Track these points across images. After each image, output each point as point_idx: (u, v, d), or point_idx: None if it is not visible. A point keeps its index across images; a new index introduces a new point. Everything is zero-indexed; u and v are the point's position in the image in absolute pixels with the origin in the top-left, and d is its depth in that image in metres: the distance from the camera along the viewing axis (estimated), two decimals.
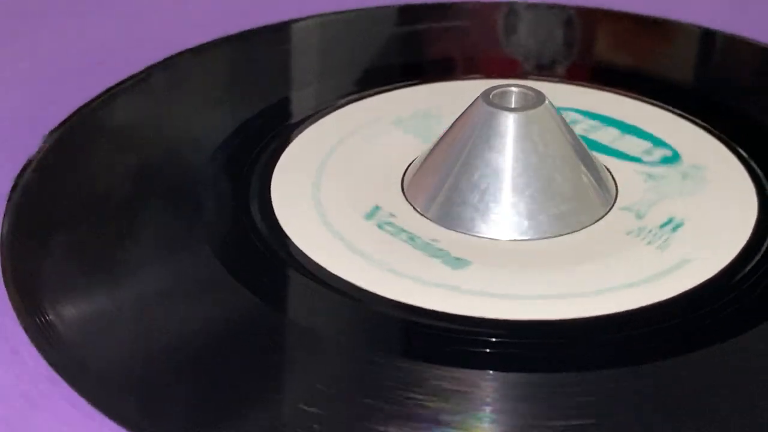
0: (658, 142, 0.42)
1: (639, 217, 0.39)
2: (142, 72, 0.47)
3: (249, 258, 0.37)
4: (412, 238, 0.38)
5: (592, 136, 0.43)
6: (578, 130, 0.43)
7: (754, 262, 0.37)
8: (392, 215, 0.39)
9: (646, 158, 0.41)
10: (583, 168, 0.40)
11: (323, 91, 0.47)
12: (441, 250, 0.38)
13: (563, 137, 0.40)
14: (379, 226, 0.39)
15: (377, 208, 0.40)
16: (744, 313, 0.35)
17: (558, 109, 0.40)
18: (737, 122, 0.45)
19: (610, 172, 0.41)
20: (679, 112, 0.45)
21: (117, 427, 0.32)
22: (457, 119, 0.41)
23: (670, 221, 0.39)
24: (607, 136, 0.43)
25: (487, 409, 0.32)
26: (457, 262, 0.37)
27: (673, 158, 0.41)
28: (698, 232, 0.38)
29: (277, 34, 0.51)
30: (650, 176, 0.41)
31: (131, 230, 0.39)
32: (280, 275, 0.37)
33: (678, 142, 0.43)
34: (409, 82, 0.47)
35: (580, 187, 0.39)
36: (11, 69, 0.49)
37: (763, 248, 0.38)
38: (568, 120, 0.41)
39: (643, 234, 0.38)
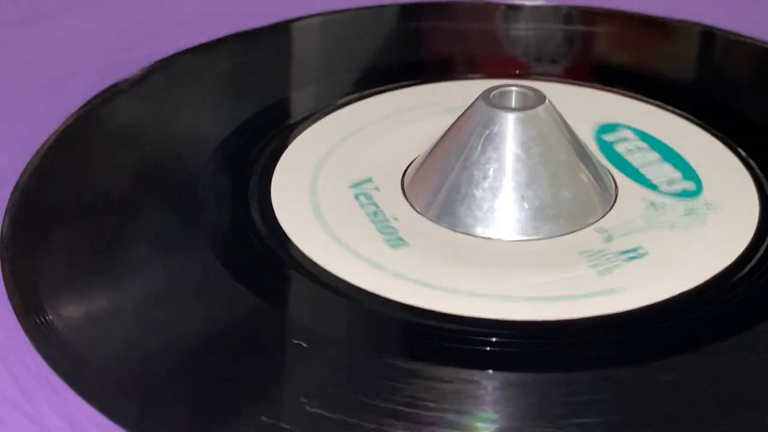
0: (689, 175, 0.41)
1: (606, 240, 0.39)
2: (142, 71, 0.48)
3: (248, 258, 0.37)
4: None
5: (629, 158, 0.42)
6: (622, 149, 0.42)
7: (754, 262, 0.37)
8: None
9: (664, 188, 0.41)
10: (583, 168, 0.40)
11: (323, 91, 0.47)
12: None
13: (563, 137, 0.40)
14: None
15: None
16: (745, 312, 0.35)
17: (613, 125, 0.40)
18: (737, 122, 0.45)
19: (610, 173, 0.41)
20: (679, 111, 0.45)
21: (117, 428, 0.32)
22: (457, 119, 0.41)
23: (633, 250, 0.38)
24: (644, 159, 0.42)
25: (487, 409, 0.32)
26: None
27: (692, 193, 0.41)
28: (653, 267, 0.37)
29: (277, 33, 0.51)
30: (652, 204, 0.40)
31: (131, 230, 0.39)
32: (280, 275, 0.37)
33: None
34: (410, 82, 0.47)
35: (580, 187, 0.39)
36: (11, 68, 0.49)
37: (765, 248, 0.38)
38: (619, 137, 0.41)
39: (595, 258, 0.38)
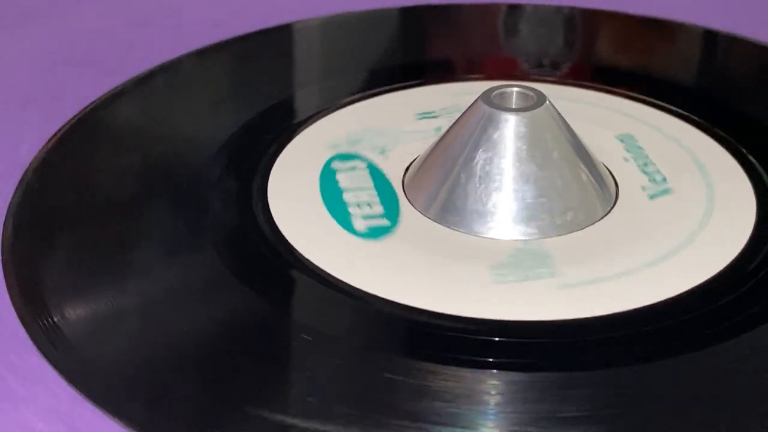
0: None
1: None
2: (145, 73, 0.48)
3: (251, 259, 0.37)
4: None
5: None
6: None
7: (755, 263, 0.37)
8: (393, 216, 0.40)
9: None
10: (583, 168, 0.40)
11: (325, 92, 0.47)
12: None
13: (563, 137, 0.40)
14: (380, 227, 0.39)
15: (378, 208, 0.40)
16: (745, 312, 0.35)
17: None
18: (737, 122, 0.45)
19: (611, 172, 0.41)
20: (679, 111, 0.45)
21: (122, 429, 0.32)
22: (457, 119, 0.41)
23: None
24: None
25: (488, 409, 0.32)
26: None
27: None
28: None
29: (279, 36, 0.51)
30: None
31: (134, 231, 0.39)
32: (282, 275, 0.37)
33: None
34: (411, 83, 0.47)
35: (580, 187, 0.40)
36: (13, 69, 0.49)
37: (764, 249, 0.38)
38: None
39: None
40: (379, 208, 0.40)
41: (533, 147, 0.39)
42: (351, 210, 0.40)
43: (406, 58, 0.51)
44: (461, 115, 0.41)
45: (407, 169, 0.42)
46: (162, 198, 0.40)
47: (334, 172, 0.42)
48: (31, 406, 0.33)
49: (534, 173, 0.39)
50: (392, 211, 0.40)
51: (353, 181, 0.41)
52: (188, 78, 0.48)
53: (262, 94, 0.46)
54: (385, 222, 0.39)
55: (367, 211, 0.40)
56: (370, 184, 0.41)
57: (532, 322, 0.35)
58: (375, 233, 0.39)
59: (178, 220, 0.39)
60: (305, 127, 0.44)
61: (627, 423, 0.32)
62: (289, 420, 0.32)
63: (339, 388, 0.33)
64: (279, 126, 0.44)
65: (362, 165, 0.42)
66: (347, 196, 0.40)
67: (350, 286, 0.36)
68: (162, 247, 0.38)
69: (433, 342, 0.34)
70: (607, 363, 0.34)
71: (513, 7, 0.54)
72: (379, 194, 0.41)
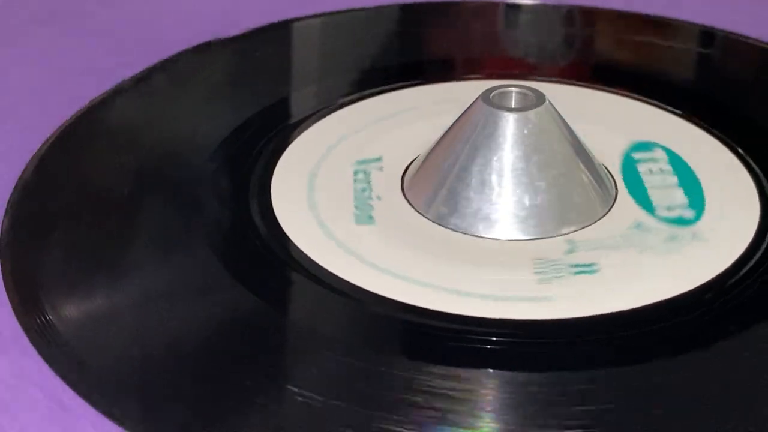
0: (695, 204, 0.40)
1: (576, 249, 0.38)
2: (142, 72, 0.48)
3: (248, 258, 0.37)
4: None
5: (646, 177, 0.41)
6: (644, 168, 0.42)
7: (754, 263, 0.37)
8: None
9: (659, 212, 0.40)
10: (583, 168, 0.40)
11: (323, 91, 0.47)
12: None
13: (563, 137, 0.40)
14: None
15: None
16: (745, 313, 0.35)
17: (648, 144, 0.40)
18: (737, 122, 0.45)
19: (610, 172, 0.41)
20: (679, 112, 0.45)
21: (116, 427, 0.32)
22: (457, 119, 0.41)
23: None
24: (659, 182, 0.41)
25: (487, 409, 0.32)
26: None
27: (686, 221, 0.40)
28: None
29: (277, 33, 0.51)
30: (638, 226, 0.39)
31: (131, 230, 0.39)
32: (280, 275, 0.37)
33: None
34: (410, 83, 0.47)
35: (580, 187, 0.40)
36: (12, 69, 0.49)
37: (765, 249, 0.38)
38: (649, 156, 0.41)
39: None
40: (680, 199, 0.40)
41: (533, 147, 0.39)
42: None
43: (406, 57, 0.51)
44: (461, 115, 0.41)
45: (406, 169, 0.42)
46: (159, 197, 0.40)
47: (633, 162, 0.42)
48: (25, 403, 0.33)
49: (533, 173, 0.39)
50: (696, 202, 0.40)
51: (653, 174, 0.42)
52: (187, 76, 0.48)
53: (261, 92, 0.46)
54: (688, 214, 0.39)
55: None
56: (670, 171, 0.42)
57: (532, 321, 0.35)
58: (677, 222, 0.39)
59: (176, 219, 0.39)
60: (304, 127, 0.44)
61: (627, 423, 0.32)
62: (285, 420, 0.32)
63: (338, 388, 0.33)
64: (278, 125, 0.44)
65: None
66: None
67: (349, 285, 0.36)
68: (159, 246, 0.38)
69: (432, 342, 0.34)
70: (607, 363, 0.34)
71: (513, 6, 0.54)
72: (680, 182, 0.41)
